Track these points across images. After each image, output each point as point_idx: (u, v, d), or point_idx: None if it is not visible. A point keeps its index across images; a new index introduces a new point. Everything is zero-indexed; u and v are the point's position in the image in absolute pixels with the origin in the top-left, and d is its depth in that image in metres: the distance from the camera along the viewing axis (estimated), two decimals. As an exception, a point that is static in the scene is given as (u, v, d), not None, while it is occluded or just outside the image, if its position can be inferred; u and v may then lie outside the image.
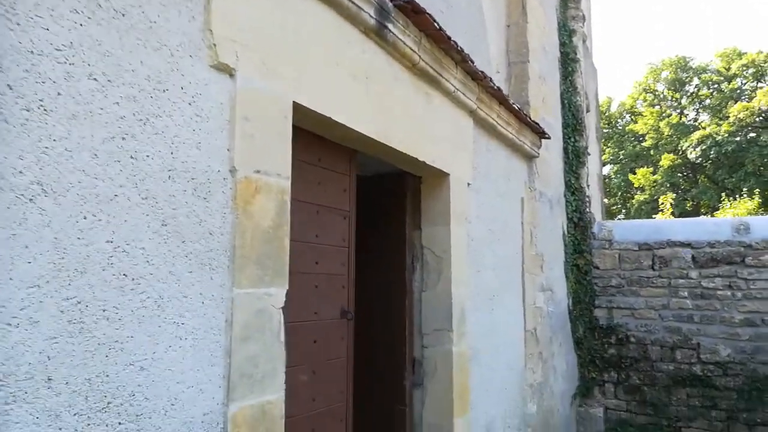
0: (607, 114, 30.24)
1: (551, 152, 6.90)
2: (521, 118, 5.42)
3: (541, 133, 5.99)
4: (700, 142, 25.60)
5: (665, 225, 7.91)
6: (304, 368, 3.07)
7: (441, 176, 4.30)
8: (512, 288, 5.53)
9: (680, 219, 9.48)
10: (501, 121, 5.15)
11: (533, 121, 5.65)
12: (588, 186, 7.96)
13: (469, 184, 4.64)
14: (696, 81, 29.16)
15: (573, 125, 7.65)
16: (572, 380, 7.36)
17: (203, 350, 2.20)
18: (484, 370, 4.75)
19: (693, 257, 7.29)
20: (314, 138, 3.18)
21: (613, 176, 29.31)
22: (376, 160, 3.96)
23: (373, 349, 4.45)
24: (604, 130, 29.13)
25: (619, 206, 29.56)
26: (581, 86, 7.90)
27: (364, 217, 4.59)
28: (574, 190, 7.59)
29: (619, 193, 29.44)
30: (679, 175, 27.79)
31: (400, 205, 4.37)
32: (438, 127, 4.12)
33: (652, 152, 28.20)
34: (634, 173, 27.97)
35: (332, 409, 3.27)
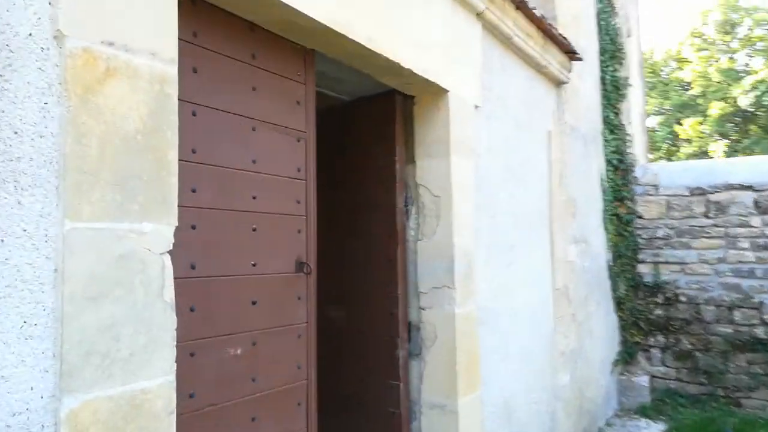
0: (650, 62, 28.28)
1: (585, 81, 5.85)
2: (546, 30, 4.41)
3: (571, 53, 4.96)
4: (753, 88, 23.62)
5: (721, 165, 6.78)
6: (237, 339, 2.26)
7: (438, 94, 3.38)
8: (537, 238, 4.60)
9: (739, 158, 8.29)
10: (519, 32, 4.16)
11: (561, 36, 4.62)
12: (630, 123, 6.87)
13: (477, 106, 3.70)
14: (748, 22, 26.89)
15: (611, 51, 6.54)
16: (612, 345, 6.43)
17: (10, 315, 1.39)
18: (500, 336, 3.88)
19: (755, 202, 6.19)
20: (240, 23, 2.30)
21: (657, 128, 27.54)
22: (351, 73, 3.07)
23: (354, 313, 3.63)
24: (648, 80, 27.28)
25: (665, 161, 27.83)
26: (620, 6, 6.75)
27: (344, 149, 3.72)
28: (613, 127, 6.53)
29: (665, 147, 27.69)
30: (730, 124, 25.87)
31: (388, 132, 3.48)
32: (431, 29, 3.19)
33: (699, 101, 26.26)
34: (681, 124, 26.16)
35: (284, 390, 2.46)
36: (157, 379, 1.67)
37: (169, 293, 1.73)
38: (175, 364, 1.74)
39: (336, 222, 3.74)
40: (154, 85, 1.71)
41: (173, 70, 1.77)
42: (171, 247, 1.74)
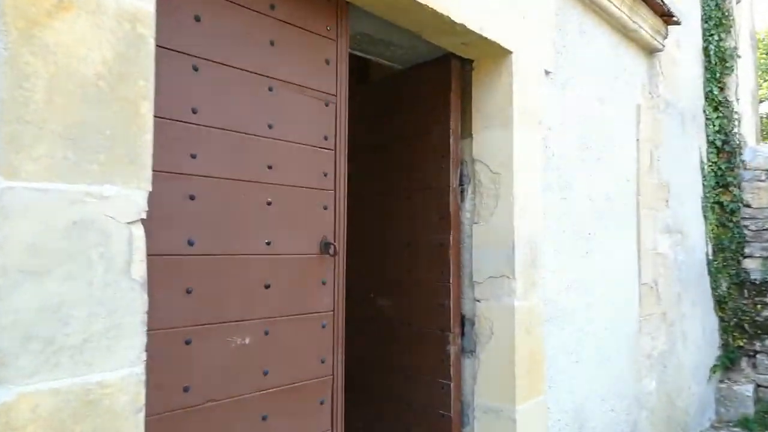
0: (765, 42, 25.66)
1: (684, 50, 5.14)
2: (634, -13, 3.83)
3: (666, 16, 4.32)
4: None
5: None
6: (245, 326, 1.99)
7: (499, 56, 2.95)
8: (621, 226, 4.05)
9: None
10: (602, -12, 3.62)
11: (653, -6, 4.02)
12: (737, 100, 6.03)
13: (547, 72, 3.23)
14: None
15: (717, 18, 5.75)
16: (710, 350, 5.69)
17: (-74, 289, 1.16)
18: (572, 334, 3.41)
19: None
20: (254, -33, 2.01)
21: (772, 114, 24.98)
22: (401, 35, 2.72)
23: (402, 303, 3.28)
24: (761, 61, 24.74)
25: (780, 149, 25.22)
26: (729, -34, 5.92)
27: (393, 122, 3.37)
28: (717, 104, 5.74)
29: (780, 134, 25.09)
30: None
31: (442, 102, 3.09)
32: (490, -20, 2.76)
33: (824, 83, 23.55)
34: (800, 109, 23.57)
35: (302, 387, 2.17)
36: (120, 371, 1.41)
37: (139, 270, 1.46)
38: (145, 353, 1.47)
39: (382, 203, 3.41)
40: (123, 24, 1.44)
41: (149, 7, 1.49)
42: (143, 216, 1.47)
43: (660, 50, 4.50)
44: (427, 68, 3.17)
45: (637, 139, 4.29)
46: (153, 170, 1.51)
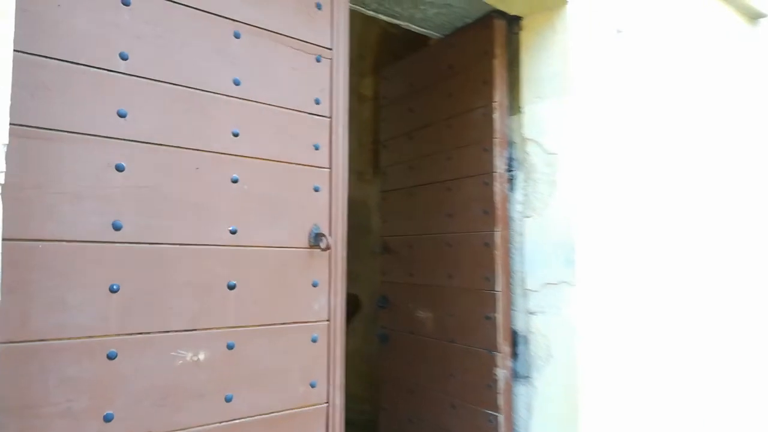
0: None
1: (797, 19, 4.26)
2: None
3: (773, -28, 3.53)
4: None
5: None
6: (200, 338, 1.52)
7: (553, 10, 2.37)
8: (742, 225, 3.27)
9: None
10: (688, -66, 2.94)
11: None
12: None
13: (618, 31, 2.60)
14: None
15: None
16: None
17: None
18: (663, 359, 2.69)
19: None
20: None
21: None
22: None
23: (441, 315, 2.72)
24: None
25: None
26: None
27: (426, 98, 2.86)
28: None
29: None
30: None
31: (484, 70, 2.54)
32: None
33: None
34: None
35: (283, 418, 1.67)
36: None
37: (-13, 253, 1.03)
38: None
39: (418, 196, 2.88)
40: None
41: None
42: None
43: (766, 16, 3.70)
44: (465, 33, 2.63)
45: None
46: (59, 129, 1.11)
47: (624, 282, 2.49)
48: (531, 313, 2.41)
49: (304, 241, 1.74)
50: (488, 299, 2.47)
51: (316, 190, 1.79)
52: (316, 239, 1.75)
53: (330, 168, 1.83)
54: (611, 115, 2.51)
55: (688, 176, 2.97)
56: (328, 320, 1.78)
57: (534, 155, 2.43)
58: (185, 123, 1.53)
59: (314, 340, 1.74)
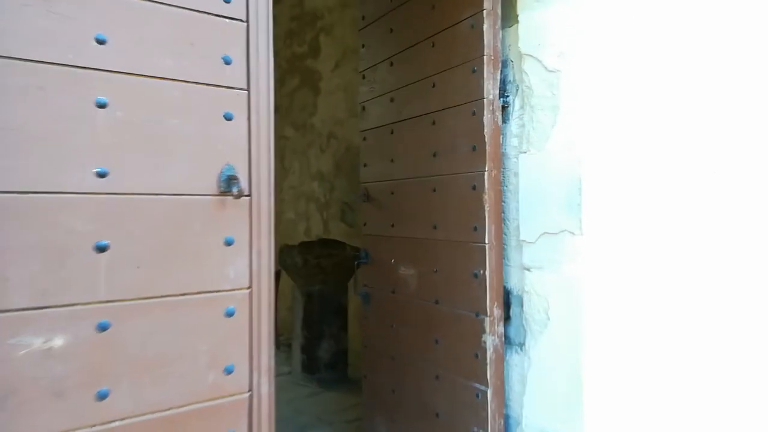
0: None
1: None
2: None
3: None
4: None
5: None
6: (52, 319, 1.13)
7: None
8: None
9: None
10: None
11: None
12: None
13: None
14: None
15: None
16: None
17: None
18: (688, 325, 2.24)
19: None
20: None
21: None
22: None
23: (424, 273, 2.29)
24: None
25: None
26: None
27: (407, 23, 2.35)
28: None
29: None
30: None
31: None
32: None
33: None
34: None
35: (188, 415, 1.28)
36: None
37: None
38: None
39: (396, 132, 2.42)
40: None
41: None
42: None
43: None
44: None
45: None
46: None
47: (642, 232, 2.02)
48: (526, 269, 1.96)
49: (211, 186, 1.31)
50: (476, 253, 2.03)
51: (228, 118, 1.34)
52: (228, 183, 1.32)
53: (248, 90, 1.37)
54: (630, 19, 1.98)
55: (729, 104, 2.42)
56: (249, 287, 1.37)
57: (532, 74, 1.93)
58: (24, 24, 1.09)
59: (229, 314, 1.33)
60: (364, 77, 2.68)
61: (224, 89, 1.33)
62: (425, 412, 2.25)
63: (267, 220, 1.39)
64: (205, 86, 1.30)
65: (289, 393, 4.51)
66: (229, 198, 1.33)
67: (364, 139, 2.64)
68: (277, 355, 5.62)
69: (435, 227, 2.22)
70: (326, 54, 5.44)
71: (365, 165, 2.64)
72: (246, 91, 1.37)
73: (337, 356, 4.71)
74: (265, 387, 1.38)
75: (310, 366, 4.71)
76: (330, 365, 4.69)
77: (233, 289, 1.34)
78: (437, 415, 2.19)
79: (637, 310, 1.98)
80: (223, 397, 1.32)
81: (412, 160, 2.33)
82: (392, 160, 2.45)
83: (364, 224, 2.64)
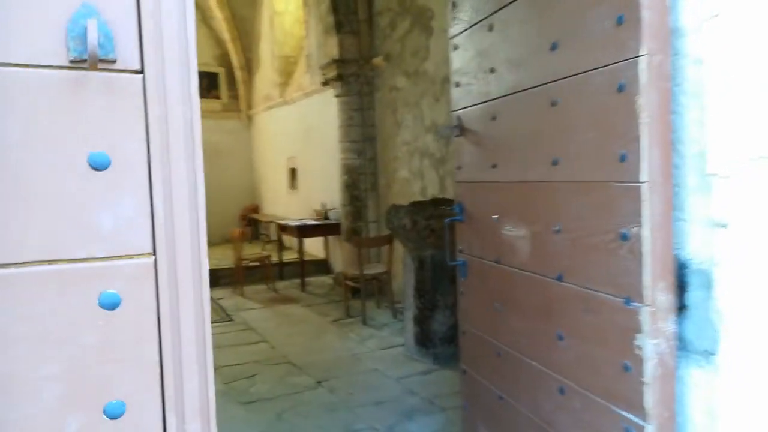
0: None
1: None
2: None
3: None
4: None
5: None
6: None
7: None
8: None
9: None
10: None
11: None
12: None
13: None
14: None
15: None
16: None
17: None
18: None
19: None
20: None
21: None
22: None
23: (540, 232, 1.47)
24: None
25: None
26: None
27: None
28: None
29: None
30: None
31: None
32: None
33: None
34: None
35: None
36: None
37: None
38: None
39: (497, 24, 1.58)
40: None
41: None
42: None
43: None
44: None
45: None
46: None
47: None
48: (719, 225, 1.08)
49: (54, 50, 0.63)
50: (624, 199, 1.17)
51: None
52: (84, 45, 0.62)
53: None
54: None
55: None
56: (151, 254, 0.68)
57: None
58: None
59: (110, 305, 0.66)
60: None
61: None
62: (545, 439, 1.46)
63: (182, 119, 0.68)
64: None
65: (401, 369, 3.89)
66: (94, 74, 0.63)
67: (455, 47, 1.83)
68: (391, 324, 5.09)
69: (555, 162, 1.38)
70: (438, -14, 4.60)
71: (457, 84, 1.83)
72: None
73: (454, 330, 3.98)
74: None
75: (423, 339, 4.05)
76: (446, 339, 3.99)
77: (114, 257, 0.66)
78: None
79: None
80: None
81: (520, 62, 1.49)
82: (492, 70, 1.62)
83: (458, 168, 1.86)
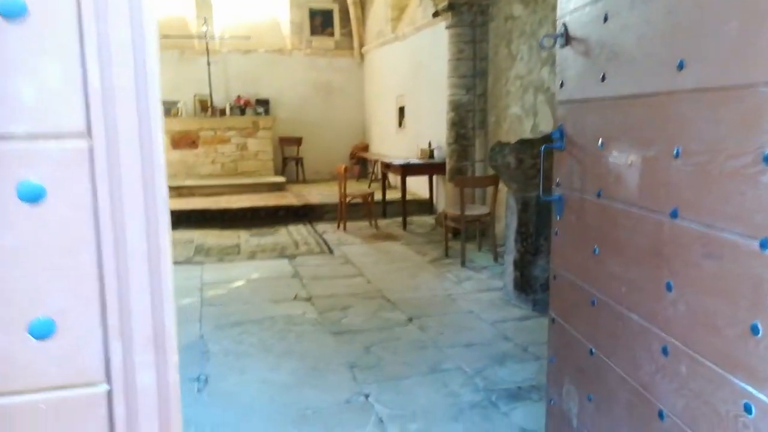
0: None
1: None
2: None
3: None
4: None
5: None
6: None
7: None
8: None
9: None
10: None
11: None
12: None
13: None
14: None
15: None
16: None
17: None
18: None
19: None
20: None
21: None
22: None
23: (642, 155, 1.16)
24: None
25: None
26: None
27: None
28: None
29: None
30: None
31: None
32: None
33: None
34: None
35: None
36: None
37: None
38: None
39: None
40: None
41: None
42: None
43: None
44: None
45: None
46: None
47: None
48: None
49: None
50: (774, 110, 0.86)
51: None
52: None
53: None
54: None
55: None
56: (86, 135, 0.53)
57: None
58: None
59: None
60: None
61: None
62: (641, 402, 1.22)
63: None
64: None
65: (498, 312, 3.70)
66: None
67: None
68: (491, 268, 4.86)
69: (681, 66, 1.06)
70: None
71: (565, -18, 1.52)
72: None
73: (557, 278, 3.69)
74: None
75: (523, 285, 3.81)
76: (547, 286, 3.71)
77: (37, 136, 0.52)
78: (660, 415, 1.15)
79: None
80: None
81: None
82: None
83: (561, 86, 1.56)
